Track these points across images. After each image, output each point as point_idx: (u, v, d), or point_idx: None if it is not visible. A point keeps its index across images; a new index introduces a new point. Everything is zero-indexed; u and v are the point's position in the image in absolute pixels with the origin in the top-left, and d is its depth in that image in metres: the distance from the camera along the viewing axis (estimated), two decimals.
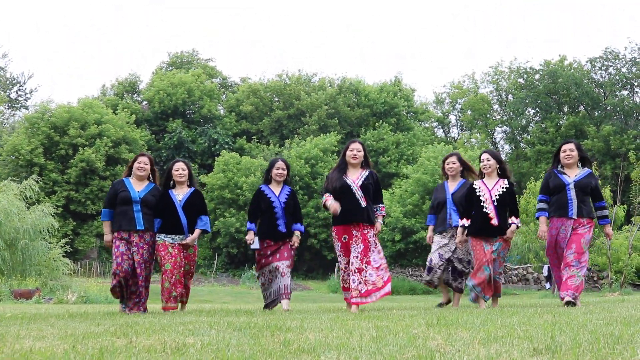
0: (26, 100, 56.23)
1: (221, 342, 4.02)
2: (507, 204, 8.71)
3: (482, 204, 8.64)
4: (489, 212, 8.59)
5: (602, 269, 30.45)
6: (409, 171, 37.65)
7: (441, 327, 4.79)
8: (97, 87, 58.80)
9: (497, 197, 8.63)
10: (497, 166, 8.86)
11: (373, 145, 45.03)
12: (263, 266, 8.88)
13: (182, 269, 8.58)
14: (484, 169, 8.83)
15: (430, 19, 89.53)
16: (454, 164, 9.34)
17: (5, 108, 54.64)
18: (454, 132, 59.56)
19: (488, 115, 55.43)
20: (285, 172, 9.07)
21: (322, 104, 47.64)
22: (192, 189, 8.89)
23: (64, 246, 26.12)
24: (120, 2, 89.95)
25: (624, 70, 51.63)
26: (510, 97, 54.87)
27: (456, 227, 8.92)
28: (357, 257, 7.88)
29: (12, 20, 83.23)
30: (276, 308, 8.82)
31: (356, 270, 7.83)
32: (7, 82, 55.72)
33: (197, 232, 8.69)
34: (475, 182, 8.93)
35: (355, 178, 8.07)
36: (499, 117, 55.59)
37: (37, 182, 26.73)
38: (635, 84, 51.70)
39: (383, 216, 8.33)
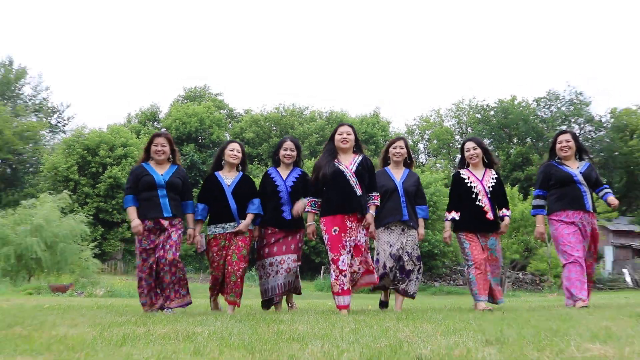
0: (64, 126, 56.31)
1: (225, 331, 4.01)
2: (498, 195, 6.74)
3: (474, 196, 6.61)
4: (483, 205, 6.57)
5: (543, 273, 30.59)
6: None
7: (409, 321, 4.79)
8: (124, 116, 58.63)
9: (490, 188, 6.66)
10: (483, 155, 6.89)
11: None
12: (264, 257, 6.66)
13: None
14: (470, 159, 6.82)
15: (403, 64, 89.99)
16: (401, 148, 6.94)
17: (46, 132, 54.72)
18: (422, 158, 59.65)
19: (451, 145, 55.77)
20: (294, 154, 6.84)
21: (312, 133, 47.74)
22: (241, 173, 6.83)
23: (94, 249, 26.12)
24: (144, 44, 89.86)
25: (563, 108, 52.25)
26: (469, 129, 55.23)
27: (406, 221, 6.64)
28: (352, 254, 6.01)
29: (54, 58, 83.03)
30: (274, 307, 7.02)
31: (352, 272, 6.02)
32: (49, 110, 55.89)
33: (249, 216, 6.59)
34: (461, 172, 6.86)
35: (348, 164, 6.11)
36: (460, 146, 55.78)
37: (70, 195, 26.66)
38: (572, 120, 52.27)
39: (376, 206, 6.23)
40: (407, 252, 6.62)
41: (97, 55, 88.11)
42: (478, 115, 53.84)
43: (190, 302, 6.59)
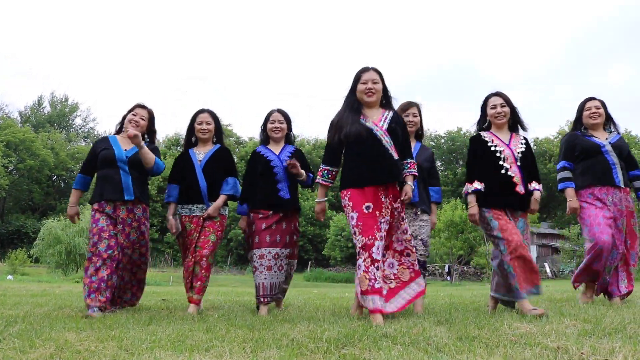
0: None
1: (231, 313, 3.99)
2: (529, 165, 4.13)
3: (501, 162, 4.06)
4: (513, 175, 4.02)
5: (483, 267, 30.70)
6: None
7: None
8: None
9: (520, 155, 4.09)
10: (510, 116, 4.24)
11: (336, 184, 44.97)
12: (255, 247, 4.32)
13: (203, 245, 4.34)
14: (495, 117, 4.21)
15: None
16: (415, 116, 4.52)
17: None
18: None
19: None
20: (283, 126, 4.65)
21: None
22: (217, 146, 4.71)
23: None
24: (171, 87, 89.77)
25: None
26: None
27: (415, 203, 4.30)
28: (395, 237, 3.71)
29: (101, 94, 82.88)
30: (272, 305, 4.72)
31: (396, 255, 3.71)
32: (95, 137, 56.76)
33: (221, 198, 4.42)
34: (482, 134, 4.28)
35: (376, 120, 3.74)
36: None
37: None
38: None
39: (415, 176, 3.84)
40: (420, 239, 4.30)
41: (134, 94, 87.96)
42: (432, 142, 54.31)
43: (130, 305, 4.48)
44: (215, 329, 3.04)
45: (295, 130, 4.58)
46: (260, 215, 4.34)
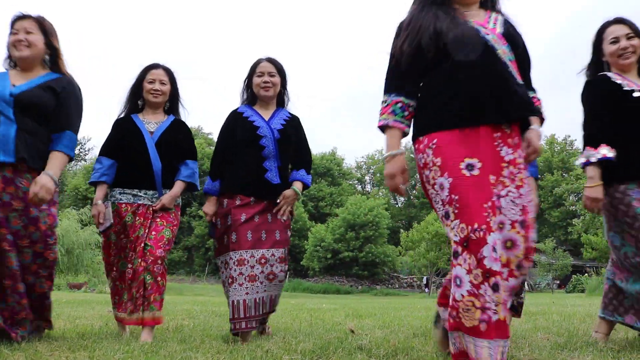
0: (85, 155, 56.81)
1: (206, 324, 3.95)
2: None
3: None
4: None
5: None
6: (338, 212, 37.59)
7: (354, 317, 4.77)
8: None
9: None
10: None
11: (315, 194, 45.10)
12: (232, 248, 2.98)
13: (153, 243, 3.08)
14: (620, 55, 2.77)
15: (356, 113, 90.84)
16: None
17: None
18: (369, 187, 60.12)
19: None
20: (275, 80, 3.26)
21: None
22: (172, 117, 3.40)
23: None
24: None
25: None
26: None
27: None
28: (518, 221, 1.84)
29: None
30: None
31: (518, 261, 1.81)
32: (80, 140, 56.72)
33: (178, 185, 3.26)
34: (609, 74, 2.75)
35: (482, 21, 1.94)
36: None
37: (90, 210, 26.84)
38: None
39: (543, 120, 2.07)
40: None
41: (113, 99, 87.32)
42: (412, 155, 54.86)
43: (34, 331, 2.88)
44: (189, 339, 3.01)
45: None
46: (238, 202, 3.05)
